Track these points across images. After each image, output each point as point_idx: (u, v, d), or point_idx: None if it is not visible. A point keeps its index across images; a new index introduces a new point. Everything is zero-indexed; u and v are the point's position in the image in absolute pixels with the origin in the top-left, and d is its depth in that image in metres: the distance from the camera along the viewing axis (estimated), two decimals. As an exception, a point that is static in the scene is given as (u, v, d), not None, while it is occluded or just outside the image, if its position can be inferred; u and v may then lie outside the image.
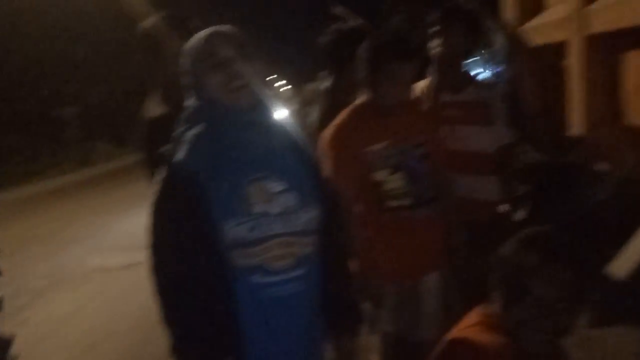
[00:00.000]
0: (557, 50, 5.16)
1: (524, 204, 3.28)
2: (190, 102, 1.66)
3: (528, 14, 5.81)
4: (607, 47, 4.61)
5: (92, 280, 6.12)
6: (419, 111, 2.52)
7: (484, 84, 3.05)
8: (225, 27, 1.65)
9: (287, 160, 1.65)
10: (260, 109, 1.64)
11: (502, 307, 1.52)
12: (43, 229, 9.08)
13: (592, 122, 4.71)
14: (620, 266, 3.27)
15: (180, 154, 1.57)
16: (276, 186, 1.59)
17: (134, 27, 2.45)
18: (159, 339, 1.59)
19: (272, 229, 1.55)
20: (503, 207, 2.90)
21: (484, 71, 8.73)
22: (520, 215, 3.28)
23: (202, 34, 1.63)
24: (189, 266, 1.53)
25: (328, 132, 2.35)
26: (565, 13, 4.97)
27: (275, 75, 34.08)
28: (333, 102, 2.78)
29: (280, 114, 1.77)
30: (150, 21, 2.33)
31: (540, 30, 5.48)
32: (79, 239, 8.06)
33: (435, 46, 2.75)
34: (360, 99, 2.39)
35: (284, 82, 37.72)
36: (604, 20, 4.41)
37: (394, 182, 2.29)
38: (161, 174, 1.60)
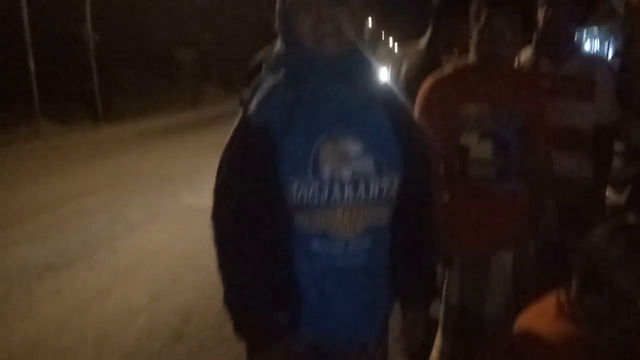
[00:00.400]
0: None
1: (624, 188, 3.06)
2: (277, 47, 1.54)
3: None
4: None
5: (183, 218, 6.33)
6: (521, 80, 2.36)
7: (590, 57, 2.87)
8: None
9: (370, 119, 1.49)
10: (349, 60, 1.47)
11: (576, 295, 1.42)
12: (145, 163, 9.52)
13: None
14: None
15: (255, 103, 1.47)
16: (352, 147, 1.44)
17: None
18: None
19: (341, 194, 1.42)
20: (599, 190, 2.72)
21: (600, 44, 8.15)
22: (617, 200, 3.07)
23: None
24: (250, 220, 1.46)
25: (426, 84, 2.25)
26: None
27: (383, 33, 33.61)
28: (426, 60, 2.70)
29: (378, 70, 1.63)
30: None
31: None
32: (177, 177, 8.37)
33: (542, 16, 2.59)
34: (465, 58, 2.26)
35: (391, 41, 37.07)
36: None
37: (480, 149, 2.15)
38: (236, 121, 1.52)
